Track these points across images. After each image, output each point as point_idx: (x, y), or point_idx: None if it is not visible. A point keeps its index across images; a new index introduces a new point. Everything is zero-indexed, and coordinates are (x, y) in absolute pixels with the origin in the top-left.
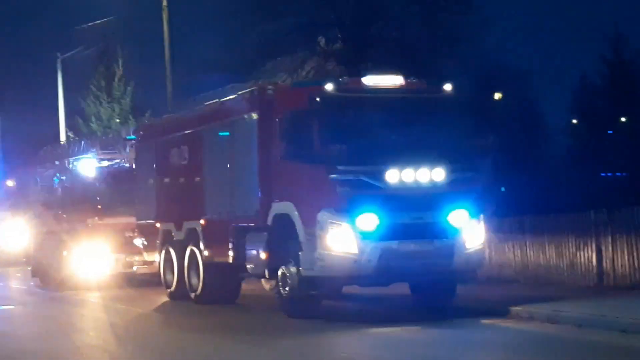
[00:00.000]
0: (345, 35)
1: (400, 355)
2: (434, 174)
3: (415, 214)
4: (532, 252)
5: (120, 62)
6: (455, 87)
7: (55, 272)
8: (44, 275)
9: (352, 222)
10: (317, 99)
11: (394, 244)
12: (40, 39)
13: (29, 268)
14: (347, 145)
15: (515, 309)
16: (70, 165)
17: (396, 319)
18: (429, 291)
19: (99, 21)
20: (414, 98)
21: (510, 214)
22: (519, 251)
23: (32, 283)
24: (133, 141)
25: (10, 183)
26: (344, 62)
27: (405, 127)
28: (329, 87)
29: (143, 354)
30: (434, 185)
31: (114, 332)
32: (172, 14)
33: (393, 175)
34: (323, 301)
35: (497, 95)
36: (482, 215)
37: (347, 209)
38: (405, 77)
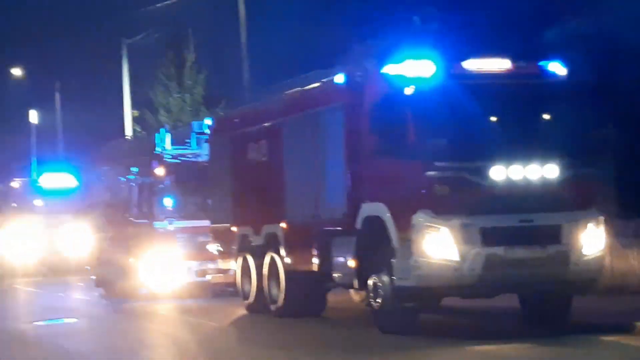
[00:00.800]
0: (444, 13)
1: None
2: (545, 171)
3: (524, 216)
4: None
5: (191, 48)
6: (571, 70)
7: (121, 281)
8: (109, 284)
9: (452, 226)
10: (412, 87)
11: (500, 250)
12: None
13: (93, 277)
14: (446, 139)
15: None
16: (138, 162)
17: (503, 335)
18: (541, 304)
19: (168, 1)
20: (523, 84)
21: (635, 215)
22: None
23: (96, 293)
24: (206, 135)
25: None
26: (441, 45)
27: (513, 117)
28: (426, 72)
29: None
30: (545, 183)
31: (186, 349)
32: None
33: (499, 172)
34: (420, 314)
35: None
36: (602, 217)
37: (446, 210)
38: (513, 60)
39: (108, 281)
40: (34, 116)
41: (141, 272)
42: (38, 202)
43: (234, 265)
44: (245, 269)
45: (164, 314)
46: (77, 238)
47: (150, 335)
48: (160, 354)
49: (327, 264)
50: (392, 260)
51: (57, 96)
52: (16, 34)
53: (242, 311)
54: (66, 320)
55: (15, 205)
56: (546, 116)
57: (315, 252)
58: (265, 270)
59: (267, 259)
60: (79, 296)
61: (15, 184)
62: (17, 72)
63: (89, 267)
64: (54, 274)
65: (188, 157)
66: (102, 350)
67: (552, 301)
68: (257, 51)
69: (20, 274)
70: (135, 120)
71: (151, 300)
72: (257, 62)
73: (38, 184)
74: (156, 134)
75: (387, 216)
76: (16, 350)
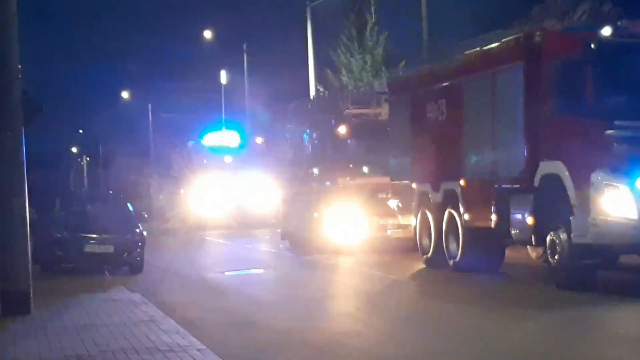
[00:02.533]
0: None
1: None
2: None
3: None
4: None
5: (372, 10)
6: None
7: (305, 235)
8: (294, 238)
9: (632, 184)
10: (592, 46)
11: None
12: None
13: (279, 230)
14: (626, 98)
15: None
16: (321, 121)
17: None
18: None
19: None
20: None
21: None
22: None
23: (281, 246)
24: (386, 95)
25: (259, 140)
26: (622, 3)
27: None
28: (606, 32)
29: (399, 325)
30: None
31: (367, 300)
32: None
33: None
34: (597, 272)
35: None
36: None
37: (625, 168)
38: None
39: (293, 234)
40: (223, 77)
41: (324, 227)
42: (227, 158)
43: (414, 221)
44: (424, 225)
45: (346, 267)
46: (264, 193)
47: (332, 286)
48: (342, 303)
49: (504, 220)
50: (570, 217)
51: (245, 57)
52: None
53: (420, 265)
54: (253, 271)
55: (206, 161)
56: None
57: (493, 209)
58: (443, 226)
59: (445, 215)
60: (266, 248)
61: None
62: (207, 34)
63: (275, 221)
64: (242, 227)
65: (369, 116)
66: (287, 299)
67: None
68: (436, 12)
69: (211, 227)
70: (318, 80)
71: (334, 253)
72: (436, 23)
73: (204, 144)
74: (338, 94)
75: (565, 174)
76: (209, 298)
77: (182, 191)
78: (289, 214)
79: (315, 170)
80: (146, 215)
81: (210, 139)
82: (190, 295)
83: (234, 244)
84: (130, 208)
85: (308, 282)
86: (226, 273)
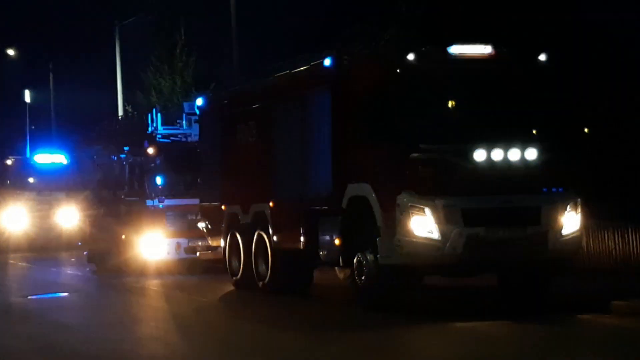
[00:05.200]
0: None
1: (489, 352)
2: (526, 153)
3: (505, 198)
4: (636, 240)
5: (182, 31)
6: (550, 56)
7: (112, 257)
8: (101, 260)
9: (435, 206)
10: (398, 70)
11: (481, 231)
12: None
13: (85, 253)
14: (430, 122)
15: (618, 303)
16: (130, 142)
17: (483, 313)
18: (520, 283)
19: None
20: (505, 69)
21: (610, 197)
22: (620, 239)
23: (87, 269)
24: (196, 116)
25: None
26: (427, 30)
27: (495, 102)
28: (411, 57)
29: (207, 347)
30: (525, 166)
31: (176, 323)
32: None
33: (480, 155)
34: (403, 293)
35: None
36: (579, 199)
37: (429, 191)
38: (495, 46)
39: (99, 257)
40: (27, 96)
41: (132, 249)
42: (31, 179)
43: (223, 243)
44: (234, 247)
45: (154, 289)
46: (70, 215)
47: (140, 310)
48: (150, 327)
49: (313, 242)
50: (376, 239)
51: (51, 76)
52: (11, 14)
53: (229, 287)
54: (59, 295)
55: (8, 182)
56: (527, 100)
57: (302, 230)
58: (253, 247)
59: (255, 237)
60: (71, 271)
61: (9, 161)
62: (11, 52)
63: (80, 243)
64: (46, 250)
65: (178, 137)
66: (93, 323)
67: (531, 280)
68: (246, 34)
69: (14, 249)
70: (126, 100)
71: (141, 276)
72: (247, 45)
73: (31, 162)
74: (148, 115)
75: (372, 196)
76: (9, 323)
77: None
78: (96, 236)
79: (123, 192)
80: None
81: (40, 157)
82: None
83: (39, 266)
84: None
85: (115, 305)
86: (29, 297)
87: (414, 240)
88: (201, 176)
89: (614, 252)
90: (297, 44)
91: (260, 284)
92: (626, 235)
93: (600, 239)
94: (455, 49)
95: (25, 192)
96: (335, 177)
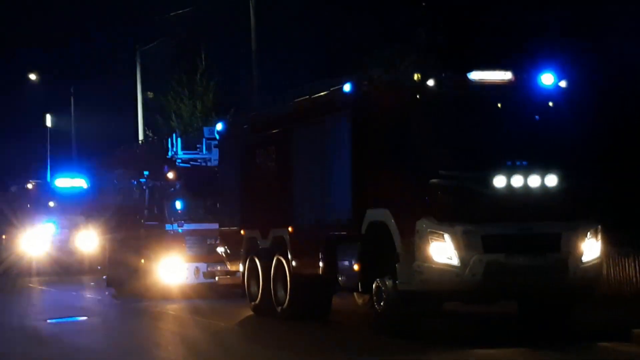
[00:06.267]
0: (449, 27)
1: None
2: (546, 180)
3: (525, 224)
4: None
5: (203, 56)
6: (571, 83)
7: (132, 281)
8: (120, 284)
9: (455, 232)
10: (418, 96)
11: (501, 257)
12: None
13: (104, 277)
14: (450, 148)
15: (638, 331)
16: (150, 166)
17: (502, 341)
18: (540, 310)
19: (180, 11)
20: (524, 95)
21: (631, 225)
22: None
23: (107, 293)
24: (216, 140)
25: (83, 184)
26: (446, 56)
27: (515, 128)
28: (431, 83)
29: None
30: (546, 192)
31: (194, 348)
32: (259, 4)
33: (501, 181)
34: (422, 319)
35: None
36: (599, 227)
37: (449, 217)
38: (515, 72)
39: (119, 281)
40: (49, 120)
41: (151, 273)
42: (51, 203)
43: (242, 268)
44: (253, 271)
45: (173, 314)
46: (90, 239)
47: (159, 334)
48: (169, 352)
49: (332, 267)
50: (395, 265)
51: (72, 101)
52: (32, 39)
53: (248, 312)
54: (78, 319)
55: (29, 206)
56: (548, 127)
57: (321, 255)
58: (272, 273)
59: (274, 262)
60: (91, 295)
61: (30, 185)
62: (33, 77)
63: (100, 267)
64: (66, 274)
65: (198, 162)
66: (112, 348)
67: (551, 307)
68: (267, 59)
69: (34, 273)
70: (146, 125)
71: (161, 300)
72: (267, 70)
73: (52, 186)
74: (168, 139)
75: (391, 222)
76: (29, 347)
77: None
78: (116, 260)
79: (143, 216)
80: None
81: (61, 181)
82: (8, 345)
83: (59, 290)
84: None
85: (134, 330)
86: (48, 321)
87: (433, 266)
88: (220, 201)
89: (634, 280)
90: (316, 70)
91: (279, 309)
92: None
93: (620, 267)
94: (475, 75)
95: (45, 216)
96: (354, 203)
